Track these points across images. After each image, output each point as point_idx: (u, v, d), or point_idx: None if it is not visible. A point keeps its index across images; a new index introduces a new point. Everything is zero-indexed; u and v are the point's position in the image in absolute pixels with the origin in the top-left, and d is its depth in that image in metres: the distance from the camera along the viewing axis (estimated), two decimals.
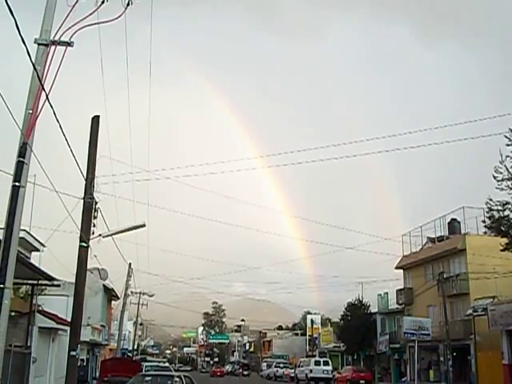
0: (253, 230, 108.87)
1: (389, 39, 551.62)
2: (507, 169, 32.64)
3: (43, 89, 10.14)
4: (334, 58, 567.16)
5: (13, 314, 20.71)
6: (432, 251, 49.45)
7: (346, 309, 64.44)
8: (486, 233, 42.04)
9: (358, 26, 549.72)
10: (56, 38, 10.44)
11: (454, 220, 48.79)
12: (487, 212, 35.21)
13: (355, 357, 64.73)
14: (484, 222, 36.79)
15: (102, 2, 11.08)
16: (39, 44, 10.43)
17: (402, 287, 55.31)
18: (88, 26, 10.74)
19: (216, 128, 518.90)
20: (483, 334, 39.93)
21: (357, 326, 59.76)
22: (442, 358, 45.40)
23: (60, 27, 10.45)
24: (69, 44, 10.47)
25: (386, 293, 59.42)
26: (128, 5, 11.47)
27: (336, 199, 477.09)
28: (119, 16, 11.35)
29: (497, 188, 33.29)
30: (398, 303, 55.67)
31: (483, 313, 39.09)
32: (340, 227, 41.55)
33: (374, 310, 62.12)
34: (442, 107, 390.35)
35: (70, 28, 10.43)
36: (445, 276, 43.55)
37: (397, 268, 55.76)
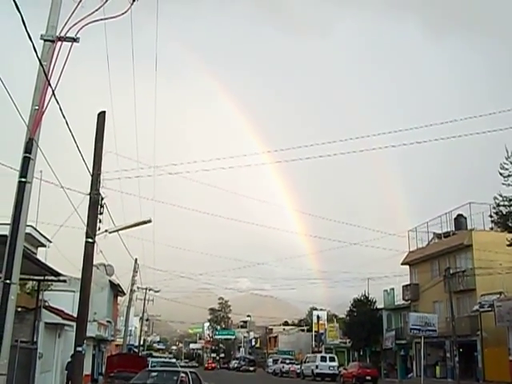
0: (258, 226, 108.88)
1: (395, 36, 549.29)
2: None
3: (49, 85, 10.14)
4: (339, 54, 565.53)
5: (19, 309, 20.79)
6: (438, 247, 49.33)
7: (352, 305, 64.39)
8: (492, 228, 41.97)
9: (363, 22, 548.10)
10: (62, 34, 10.45)
11: (460, 216, 48.66)
12: (494, 208, 35.15)
13: (361, 353, 64.69)
14: (491, 216, 36.73)
15: None
16: (45, 40, 10.44)
17: (408, 283, 55.22)
18: (94, 21, 10.74)
19: (222, 124, 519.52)
20: (490, 330, 39.86)
21: (363, 321, 59.71)
22: (448, 354, 45.33)
23: (66, 23, 10.47)
24: (75, 40, 10.48)
25: (392, 289, 59.36)
26: (134, 0, 11.47)
27: (342, 195, 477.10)
28: (125, 12, 11.33)
29: (503, 184, 33.27)
30: (404, 299, 55.59)
31: (490, 309, 39.01)
32: (346, 223, 41.58)
33: (380, 305, 62.04)
34: (448, 103, 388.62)
35: (76, 24, 10.44)
36: (451, 272, 43.46)
37: (403, 264, 55.68)
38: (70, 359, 23.38)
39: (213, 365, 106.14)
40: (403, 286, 55.71)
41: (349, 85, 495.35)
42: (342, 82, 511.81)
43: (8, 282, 9.40)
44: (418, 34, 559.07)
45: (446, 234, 49.54)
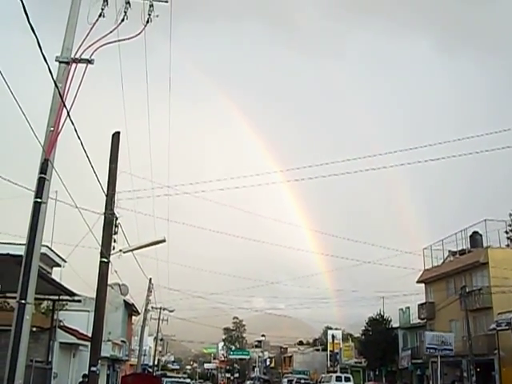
0: (273, 245, 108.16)
1: (407, 56, 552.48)
2: None
3: (64, 106, 10.27)
4: (352, 74, 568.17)
5: (34, 329, 20.83)
6: (454, 265, 48.90)
7: (367, 324, 63.92)
8: (508, 245, 41.56)
9: (376, 42, 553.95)
10: (77, 56, 10.61)
11: (475, 233, 48.21)
12: (510, 225, 34.85)
13: (377, 372, 64.04)
14: (507, 233, 36.41)
15: (122, 20, 11.27)
16: (60, 62, 10.60)
17: (423, 302, 54.73)
18: (108, 43, 10.92)
19: (236, 143, 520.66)
20: (507, 348, 39.31)
21: (378, 341, 59.19)
22: (465, 374, 44.68)
23: (81, 45, 10.63)
24: (89, 62, 10.63)
25: (408, 307, 58.80)
26: (147, 22, 11.68)
27: (355, 213, 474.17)
28: (139, 33, 11.53)
29: None
30: (419, 318, 55.07)
31: (507, 327, 38.52)
32: (360, 241, 41.16)
33: (395, 324, 61.47)
34: (458, 120, 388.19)
35: (90, 46, 10.60)
36: (467, 290, 43.01)
37: (418, 282, 55.22)
38: (81, 379, 23.32)
39: None
40: (419, 305, 55.23)
41: (362, 103, 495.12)
42: (354, 101, 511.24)
43: (23, 301, 9.45)
44: (429, 54, 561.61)
45: (462, 252, 49.12)
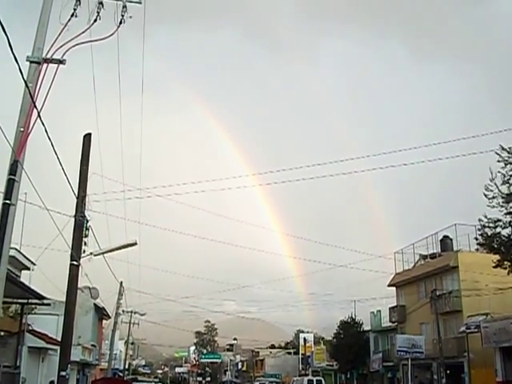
0: (245, 248, 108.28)
1: (380, 64, 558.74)
2: (497, 186, 32.73)
3: (35, 106, 10.11)
4: (326, 79, 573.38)
5: (2, 333, 20.54)
6: (424, 268, 49.41)
7: (338, 327, 64.18)
8: (478, 250, 42.04)
9: (349, 50, 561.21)
10: (48, 56, 10.45)
11: (446, 237, 48.81)
12: (479, 229, 35.26)
13: (348, 375, 64.34)
14: (476, 239, 36.87)
15: (95, 21, 11.15)
16: (31, 62, 10.43)
17: (394, 305, 55.19)
18: (81, 43, 10.79)
19: (210, 149, 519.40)
20: (477, 351, 39.80)
21: (350, 344, 59.47)
22: (435, 376, 45.13)
23: (52, 45, 10.47)
24: (61, 62, 10.48)
25: (379, 311, 59.24)
26: (121, 23, 11.57)
27: (328, 217, 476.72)
28: (112, 34, 11.42)
29: (488, 205, 33.38)
30: (390, 321, 55.51)
31: (476, 330, 39.00)
32: (332, 245, 41.32)
33: (366, 328, 61.86)
34: (431, 126, 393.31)
35: (62, 46, 10.46)
36: (437, 293, 43.48)
37: (389, 285, 55.68)
38: None
39: None
40: (390, 308, 55.66)
41: (335, 109, 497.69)
42: (328, 107, 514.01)
43: None
44: (402, 62, 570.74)
45: (432, 256, 49.65)
